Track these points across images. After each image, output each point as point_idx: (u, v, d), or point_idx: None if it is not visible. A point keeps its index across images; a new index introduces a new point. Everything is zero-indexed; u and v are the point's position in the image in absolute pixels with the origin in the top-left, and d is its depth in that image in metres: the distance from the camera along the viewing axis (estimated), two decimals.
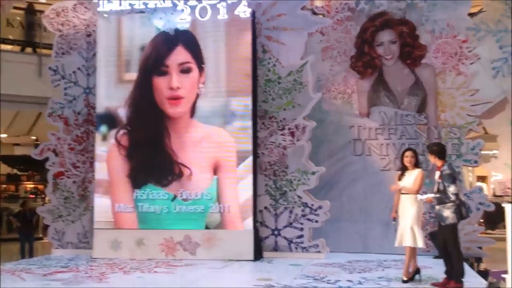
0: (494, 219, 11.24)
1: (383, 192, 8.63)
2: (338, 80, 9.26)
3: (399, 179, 6.21)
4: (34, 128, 15.69)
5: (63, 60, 9.46)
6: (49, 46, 11.30)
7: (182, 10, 8.70)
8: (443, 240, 5.86)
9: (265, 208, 8.49)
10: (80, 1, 9.48)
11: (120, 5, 8.96)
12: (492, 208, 8.50)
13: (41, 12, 10.61)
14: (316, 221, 8.29)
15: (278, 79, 8.58)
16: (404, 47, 9.02)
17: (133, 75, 8.83)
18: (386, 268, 7.31)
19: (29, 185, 18.16)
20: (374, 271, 7.10)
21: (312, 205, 8.31)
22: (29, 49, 13.18)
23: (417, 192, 6.04)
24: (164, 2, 8.79)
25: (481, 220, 9.57)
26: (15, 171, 18.37)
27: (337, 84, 9.27)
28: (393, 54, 9.10)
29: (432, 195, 5.86)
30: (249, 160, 8.29)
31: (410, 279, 6.14)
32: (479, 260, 8.66)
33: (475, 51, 8.69)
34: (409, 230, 5.99)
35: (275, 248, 8.43)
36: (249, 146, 8.33)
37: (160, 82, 8.60)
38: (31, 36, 13.10)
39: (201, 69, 8.57)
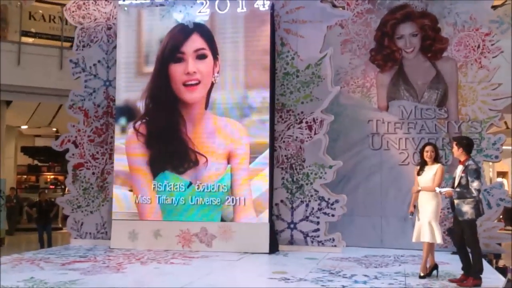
0: None
1: (400, 187, 8.58)
2: (357, 73, 9.18)
3: (418, 174, 6.13)
4: (55, 120, 15.90)
5: (83, 53, 9.55)
6: (70, 39, 11.46)
7: (202, 3, 8.72)
8: (460, 236, 5.78)
9: (281, 201, 8.48)
10: None
11: None
12: None
13: (63, 5, 10.72)
14: (333, 215, 8.26)
15: (296, 72, 8.55)
16: (425, 40, 8.90)
17: (152, 68, 8.90)
18: (403, 263, 7.25)
19: (49, 176, 18.47)
20: (390, 266, 7.05)
21: (329, 199, 8.28)
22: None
23: (435, 186, 5.95)
24: None
25: (501, 216, 9.42)
26: (35, 162, 18.69)
27: (356, 78, 9.19)
28: (413, 47, 8.99)
29: (451, 189, 5.77)
30: (266, 153, 8.28)
31: (428, 274, 6.07)
32: (498, 256, 8.54)
33: (498, 44, 8.52)
34: (427, 226, 5.93)
35: (291, 242, 8.42)
36: (266, 139, 8.33)
37: (176, 69, 8.69)
38: None
39: (216, 58, 8.61)
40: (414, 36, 8.98)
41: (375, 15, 9.11)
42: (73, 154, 9.43)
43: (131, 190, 8.71)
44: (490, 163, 14.43)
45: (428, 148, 6.12)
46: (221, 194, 8.33)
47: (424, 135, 8.74)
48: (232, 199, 8.29)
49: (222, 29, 8.67)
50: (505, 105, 8.49)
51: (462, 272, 5.84)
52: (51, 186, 17.98)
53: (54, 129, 17.10)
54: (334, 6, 9.17)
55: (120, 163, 8.80)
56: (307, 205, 8.37)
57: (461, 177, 5.69)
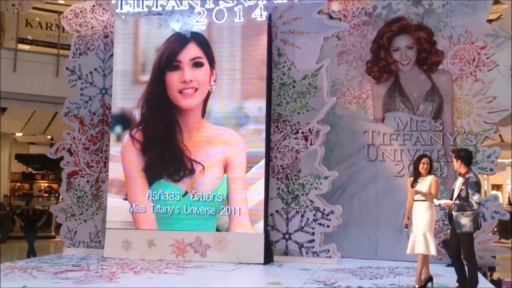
0: (509, 228, 11.08)
1: (395, 198, 8.57)
2: (354, 84, 9.21)
3: (412, 186, 6.13)
4: (50, 127, 15.85)
5: (80, 61, 9.55)
6: (67, 47, 11.45)
7: (199, 13, 8.75)
8: (456, 248, 5.78)
9: (277, 211, 8.46)
10: (99, 2, 9.58)
11: (138, 6, 9.02)
12: (507, 217, 8.39)
13: (60, 13, 10.73)
14: (328, 226, 8.25)
15: (292, 82, 8.57)
16: (421, 52, 8.95)
17: (148, 77, 8.90)
18: (397, 275, 7.23)
19: (43, 184, 18.37)
20: (385, 277, 7.03)
21: (324, 209, 8.27)
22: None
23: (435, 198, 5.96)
24: (181, 4, 8.85)
25: (495, 229, 9.43)
26: (30, 169, 18.59)
27: (352, 89, 9.21)
28: (409, 60, 9.04)
29: (450, 201, 5.77)
30: (262, 163, 8.27)
31: (422, 286, 6.05)
32: (492, 269, 8.54)
33: (493, 58, 8.57)
34: (421, 237, 5.92)
35: (286, 252, 8.39)
36: (262, 149, 8.32)
37: (173, 77, 8.70)
38: None
39: (212, 67, 8.63)
40: (410, 48, 9.03)
41: (371, 27, 9.17)
42: (67, 162, 9.40)
43: (125, 199, 8.67)
44: (485, 176, 14.49)
45: (424, 160, 6.12)
46: (217, 203, 8.30)
47: (420, 147, 8.76)
48: (228, 208, 8.26)
49: (219, 38, 8.69)
50: (500, 118, 8.52)
51: (457, 284, 5.83)
52: (45, 194, 17.88)
53: (49, 137, 17.03)
54: (331, 17, 9.21)
55: (114, 171, 8.77)
56: (302, 216, 8.35)
57: (461, 190, 5.68)
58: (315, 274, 7.22)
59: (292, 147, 8.47)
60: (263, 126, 8.38)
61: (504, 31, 8.71)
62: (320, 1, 8.58)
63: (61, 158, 9.43)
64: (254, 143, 8.34)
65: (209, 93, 8.61)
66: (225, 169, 8.35)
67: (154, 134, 8.69)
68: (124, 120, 8.92)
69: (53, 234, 14.27)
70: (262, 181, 8.25)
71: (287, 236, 8.41)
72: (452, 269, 6.10)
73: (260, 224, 8.18)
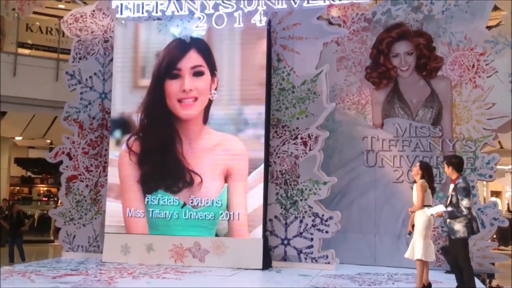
0: (508, 235, 11.06)
1: (394, 204, 8.57)
2: (353, 90, 9.22)
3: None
4: (49, 132, 15.85)
5: (80, 65, 9.56)
6: (66, 51, 11.48)
7: (199, 18, 8.76)
8: (454, 255, 5.77)
9: (275, 217, 8.45)
10: (99, 7, 9.60)
11: (138, 11, 9.04)
12: (506, 224, 8.37)
13: (60, 17, 10.75)
14: (327, 232, 8.23)
15: (292, 88, 8.58)
16: (420, 58, 8.96)
17: (148, 81, 8.91)
18: (396, 281, 7.22)
19: (43, 188, 18.36)
20: (384, 284, 7.02)
21: (323, 215, 8.25)
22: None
23: (420, 204, 5.94)
24: (181, 9, 8.87)
25: (494, 236, 9.41)
26: (29, 173, 18.59)
27: (351, 95, 9.22)
28: (409, 66, 9.05)
29: (442, 207, 5.77)
30: (261, 168, 8.27)
31: None
32: (491, 276, 8.52)
33: (492, 64, 8.59)
34: (417, 243, 5.94)
35: (284, 258, 8.37)
36: (261, 155, 8.32)
37: (172, 86, 8.67)
38: None
39: (213, 74, 8.61)
40: (409, 54, 9.05)
41: (371, 33, 9.19)
42: (66, 166, 9.39)
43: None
44: (484, 183, 14.47)
45: (413, 166, 6.16)
46: (215, 209, 8.28)
47: (419, 153, 8.75)
48: (227, 214, 8.25)
49: (219, 44, 8.70)
50: (499, 125, 8.53)
51: None
52: (44, 198, 17.86)
53: (49, 141, 17.05)
54: (331, 23, 9.23)
55: (113, 176, 8.75)
56: (301, 221, 8.34)
57: (451, 196, 5.74)
58: (314, 280, 7.21)
59: (291, 153, 8.46)
60: (262, 131, 8.37)
61: (503, 37, 8.73)
62: (319, 6, 8.61)
63: (61, 162, 9.43)
64: (253, 148, 8.33)
65: (210, 102, 8.59)
66: (226, 178, 8.31)
67: (152, 145, 8.64)
68: (124, 125, 8.91)
69: (52, 238, 14.24)
70: (261, 187, 8.23)
71: (285, 242, 8.39)
72: (452, 276, 6.09)
73: (259, 230, 8.16)
